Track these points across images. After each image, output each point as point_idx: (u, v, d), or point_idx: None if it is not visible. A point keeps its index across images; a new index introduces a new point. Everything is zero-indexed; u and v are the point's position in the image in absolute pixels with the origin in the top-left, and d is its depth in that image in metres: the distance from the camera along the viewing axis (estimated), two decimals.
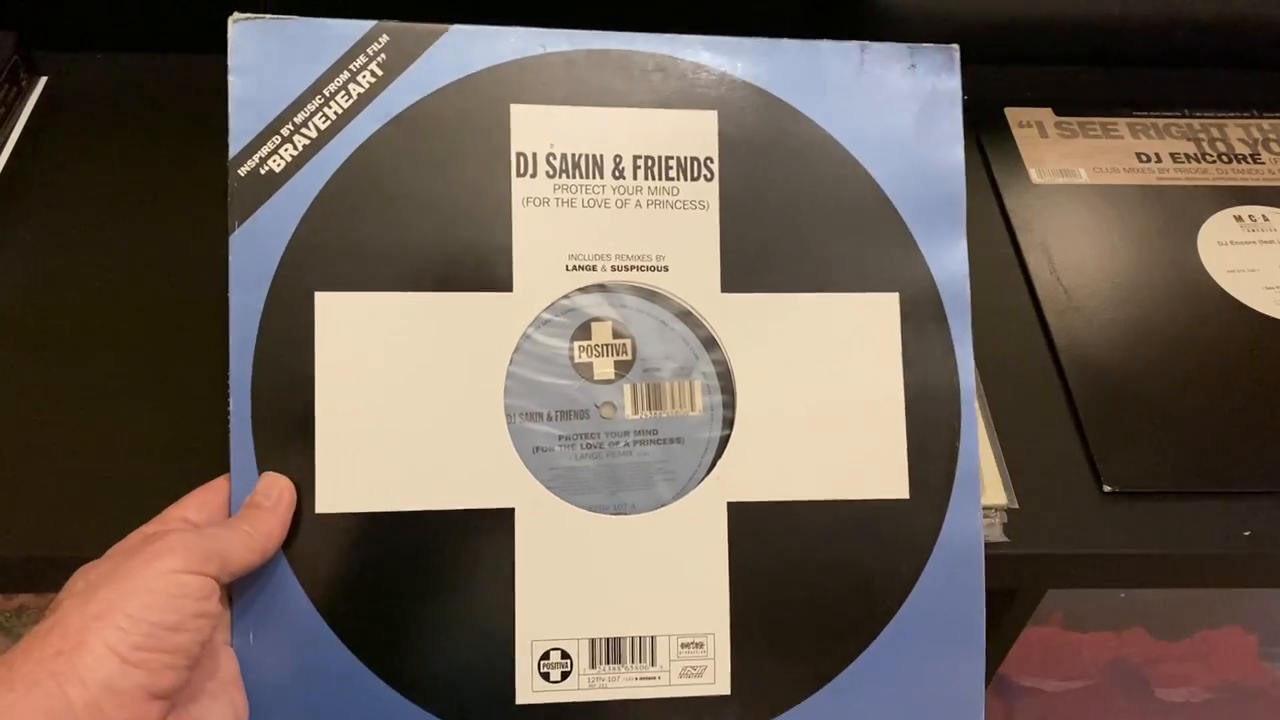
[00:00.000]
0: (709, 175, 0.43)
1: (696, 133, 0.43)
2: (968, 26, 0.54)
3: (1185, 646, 0.57)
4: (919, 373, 0.43)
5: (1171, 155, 0.63)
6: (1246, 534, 0.47)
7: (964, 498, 0.43)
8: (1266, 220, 0.60)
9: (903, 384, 0.43)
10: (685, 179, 0.43)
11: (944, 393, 0.43)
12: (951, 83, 0.44)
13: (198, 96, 0.62)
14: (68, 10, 0.64)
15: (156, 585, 0.34)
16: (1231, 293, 0.56)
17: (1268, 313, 0.55)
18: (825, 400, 0.43)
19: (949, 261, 0.44)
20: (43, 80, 0.64)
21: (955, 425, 0.43)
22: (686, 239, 0.43)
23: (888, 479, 0.43)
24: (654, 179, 0.43)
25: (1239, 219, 0.60)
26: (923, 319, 0.43)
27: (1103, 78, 0.68)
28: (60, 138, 0.61)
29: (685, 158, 0.43)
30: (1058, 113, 0.65)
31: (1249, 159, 0.63)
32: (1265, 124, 0.65)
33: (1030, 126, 0.64)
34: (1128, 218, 0.59)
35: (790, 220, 0.43)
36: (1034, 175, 0.61)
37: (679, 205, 0.43)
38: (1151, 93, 0.67)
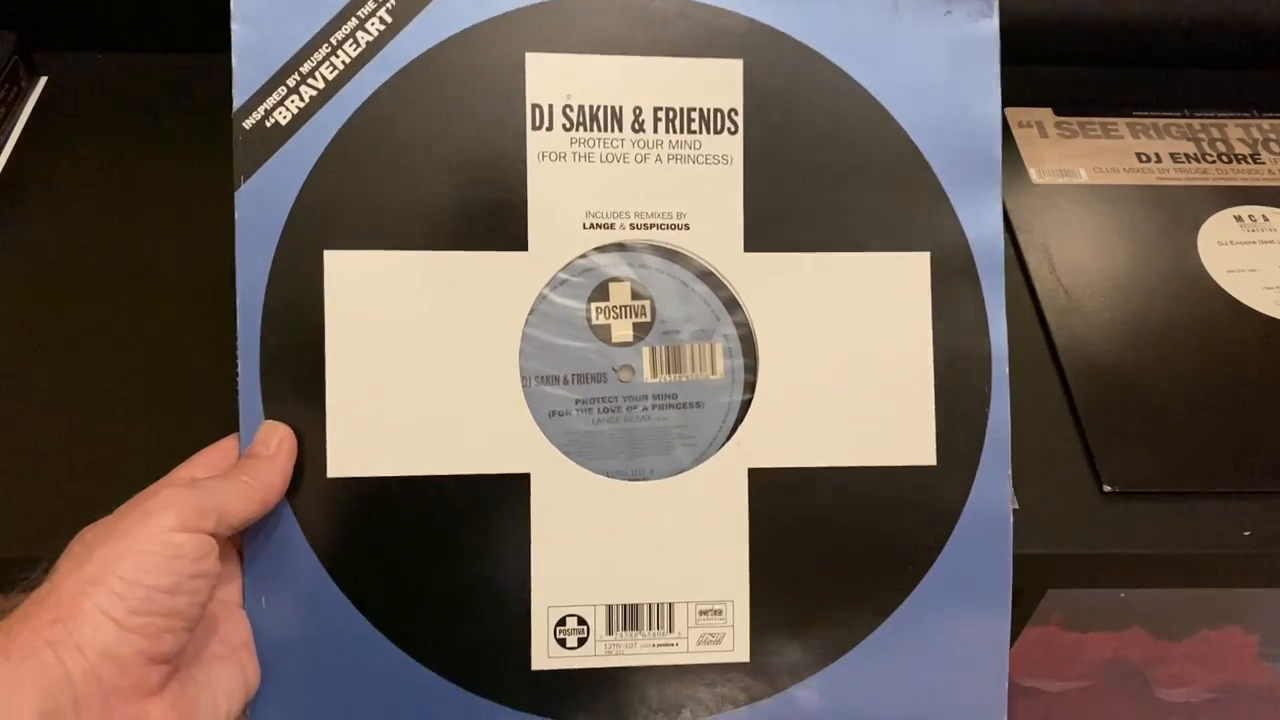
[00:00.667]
0: (733, 128, 0.41)
1: (720, 83, 0.41)
2: None
3: (1185, 646, 0.57)
4: (949, 336, 0.42)
5: (1171, 155, 0.62)
6: (1246, 534, 0.47)
7: (993, 465, 0.41)
8: (1266, 220, 0.59)
9: (932, 347, 0.41)
10: (708, 132, 0.41)
11: (975, 357, 0.42)
12: (989, 28, 0.42)
13: (198, 96, 0.62)
14: (68, 10, 0.63)
15: (151, 546, 0.33)
16: (1231, 293, 0.56)
17: (1268, 313, 0.55)
18: (851, 364, 0.41)
19: (983, 219, 0.42)
20: (43, 80, 0.63)
21: (986, 390, 0.42)
22: (708, 195, 0.41)
23: (914, 445, 0.41)
24: (675, 132, 0.41)
25: (1239, 219, 0.59)
26: (955, 279, 0.42)
27: (1103, 78, 0.67)
28: (60, 138, 0.60)
29: (708, 109, 0.41)
30: (1058, 113, 0.65)
31: (1249, 159, 0.62)
32: (1265, 124, 0.65)
33: (1030, 126, 0.63)
34: (1128, 218, 0.59)
35: (817, 176, 0.41)
36: (1034, 175, 0.61)
37: (701, 160, 0.41)
38: (1151, 93, 0.66)
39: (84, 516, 0.44)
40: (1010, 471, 0.42)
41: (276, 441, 0.38)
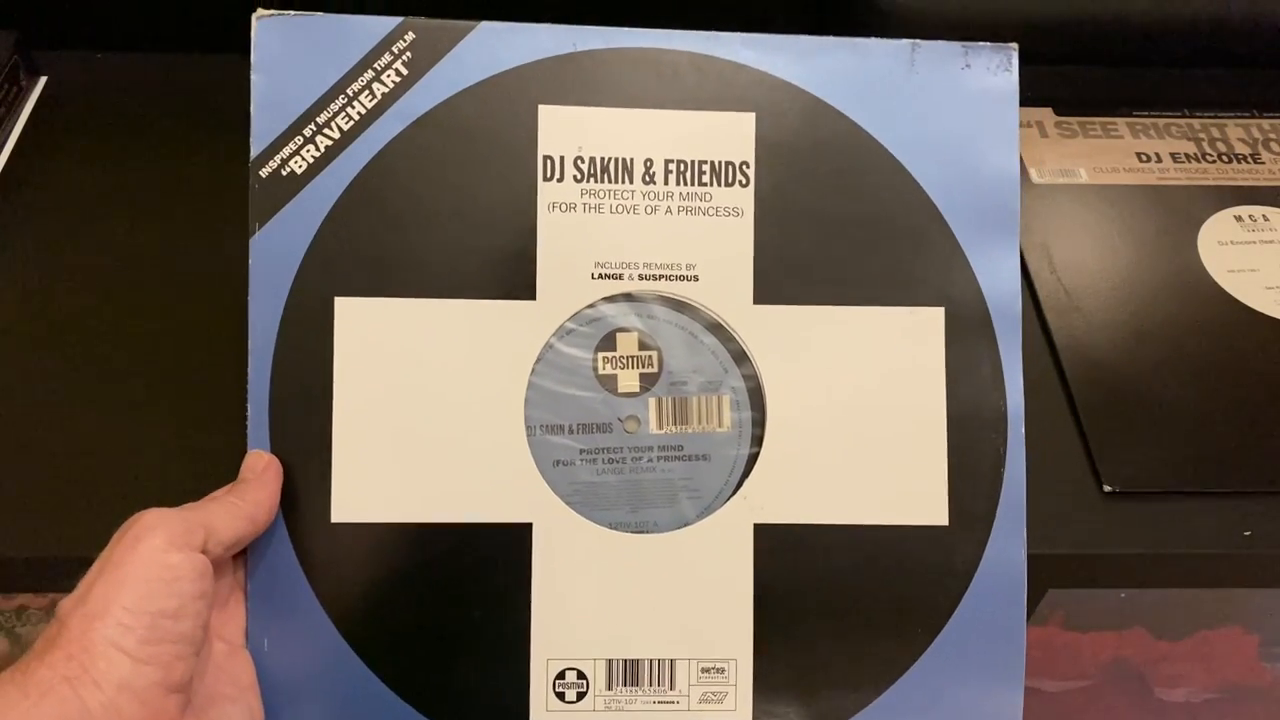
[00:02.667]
0: (744, 181, 0.41)
1: (732, 136, 0.41)
2: (967, 26, 0.52)
3: (1185, 646, 0.55)
4: (964, 393, 0.41)
5: (1171, 155, 0.61)
6: (1246, 534, 0.46)
7: (1007, 527, 0.40)
8: (1266, 220, 0.58)
9: (945, 405, 0.41)
10: (719, 184, 0.41)
11: (990, 415, 0.41)
12: (1008, 84, 0.42)
13: (199, 96, 0.62)
14: (68, 10, 0.64)
15: (149, 573, 0.33)
16: (1231, 293, 0.55)
17: (1268, 313, 0.54)
18: (861, 420, 0.41)
19: (999, 275, 0.41)
20: (43, 80, 0.64)
21: (1001, 450, 0.41)
22: (718, 247, 0.41)
23: (926, 505, 0.40)
24: (686, 184, 0.41)
25: (1239, 219, 0.58)
26: (970, 336, 0.41)
27: (1103, 78, 0.66)
28: (60, 138, 0.61)
29: (720, 162, 0.41)
30: (1058, 113, 0.64)
31: (1249, 159, 0.61)
32: (1265, 124, 0.63)
33: (1030, 126, 0.63)
34: (1128, 218, 0.58)
35: (829, 229, 0.41)
36: (1034, 175, 0.60)
37: (712, 212, 0.41)
38: (1151, 93, 0.65)
39: (84, 517, 0.44)
40: (1025, 535, 0.40)
41: (263, 466, 0.39)
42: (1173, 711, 0.59)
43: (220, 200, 0.56)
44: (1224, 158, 0.61)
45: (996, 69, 0.41)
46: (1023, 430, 0.41)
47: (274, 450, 0.39)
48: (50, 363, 0.50)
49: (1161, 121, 0.64)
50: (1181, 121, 0.64)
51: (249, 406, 0.39)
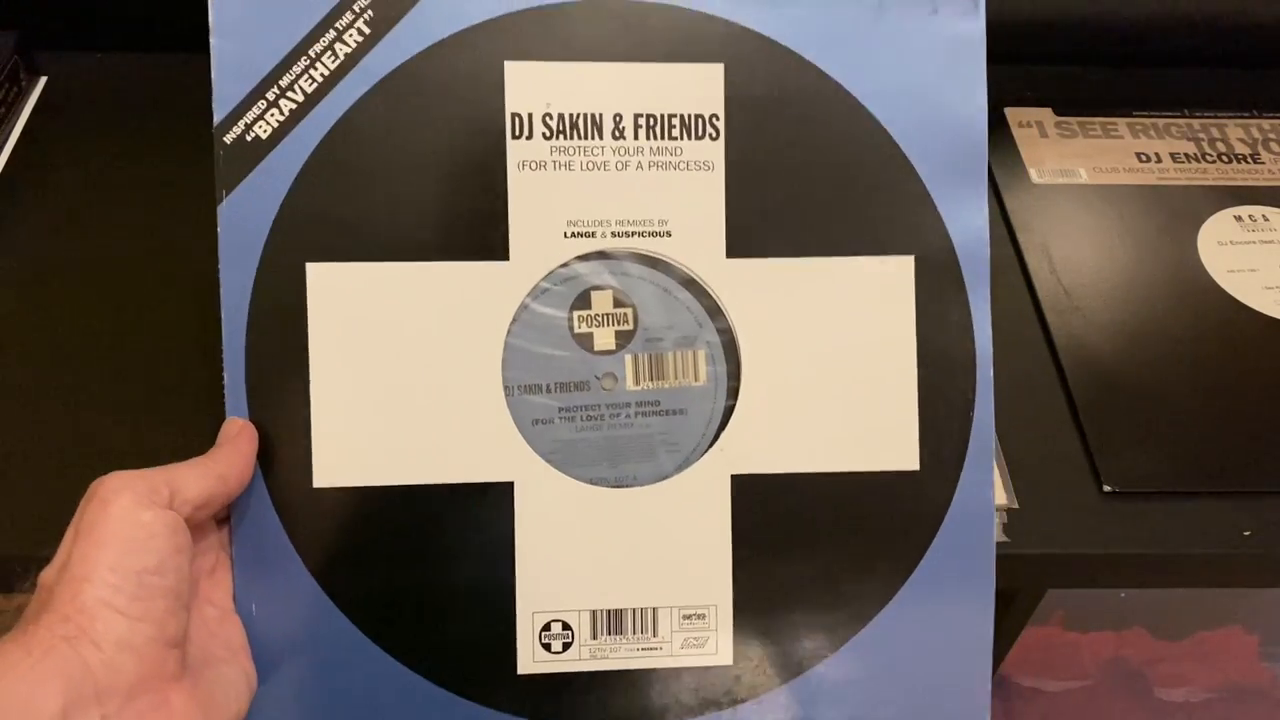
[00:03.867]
0: (714, 134, 0.41)
1: (701, 88, 0.41)
2: None
3: (1185, 646, 0.57)
4: (933, 340, 0.41)
5: (1171, 155, 0.62)
6: (1246, 534, 0.47)
7: (977, 469, 0.41)
8: (1266, 220, 0.59)
9: (916, 352, 0.41)
10: (689, 138, 0.41)
11: (959, 361, 0.41)
12: (975, 27, 0.41)
13: (198, 96, 0.60)
14: (68, 10, 0.63)
15: (124, 532, 0.34)
16: (1231, 293, 0.56)
17: (1268, 313, 0.55)
18: (834, 369, 0.41)
19: (968, 222, 0.42)
20: (43, 80, 0.63)
21: (970, 395, 0.41)
22: (690, 202, 0.41)
23: (898, 450, 0.41)
24: (656, 138, 0.41)
25: (1239, 219, 0.59)
26: (939, 283, 0.41)
27: (1103, 78, 0.67)
28: (60, 138, 0.60)
29: (689, 115, 0.41)
30: (1058, 113, 0.64)
31: (1249, 159, 0.62)
32: (1265, 124, 0.64)
33: (1030, 126, 0.63)
34: (1128, 218, 0.59)
35: (800, 181, 0.41)
36: (1034, 175, 0.61)
37: (682, 166, 0.41)
38: (1151, 93, 0.66)
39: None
40: (993, 476, 0.42)
41: (235, 431, 0.39)
42: (1173, 711, 0.60)
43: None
44: (1224, 158, 0.62)
45: (963, 14, 0.41)
46: (990, 374, 0.42)
47: (253, 418, 0.39)
48: (50, 362, 0.50)
49: (1161, 121, 0.64)
50: (1181, 121, 0.64)
51: (225, 375, 0.39)
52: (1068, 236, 0.58)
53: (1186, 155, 0.62)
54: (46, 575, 0.35)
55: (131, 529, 0.34)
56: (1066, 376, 0.51)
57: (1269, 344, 0.53)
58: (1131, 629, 0.56)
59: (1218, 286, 0.56)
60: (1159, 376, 0.52)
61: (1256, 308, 0.55)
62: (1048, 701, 0.59)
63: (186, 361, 0.50)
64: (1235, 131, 0.63)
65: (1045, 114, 0.64)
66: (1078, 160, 0.62)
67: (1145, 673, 0.58)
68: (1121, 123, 0.64)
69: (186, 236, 0.55)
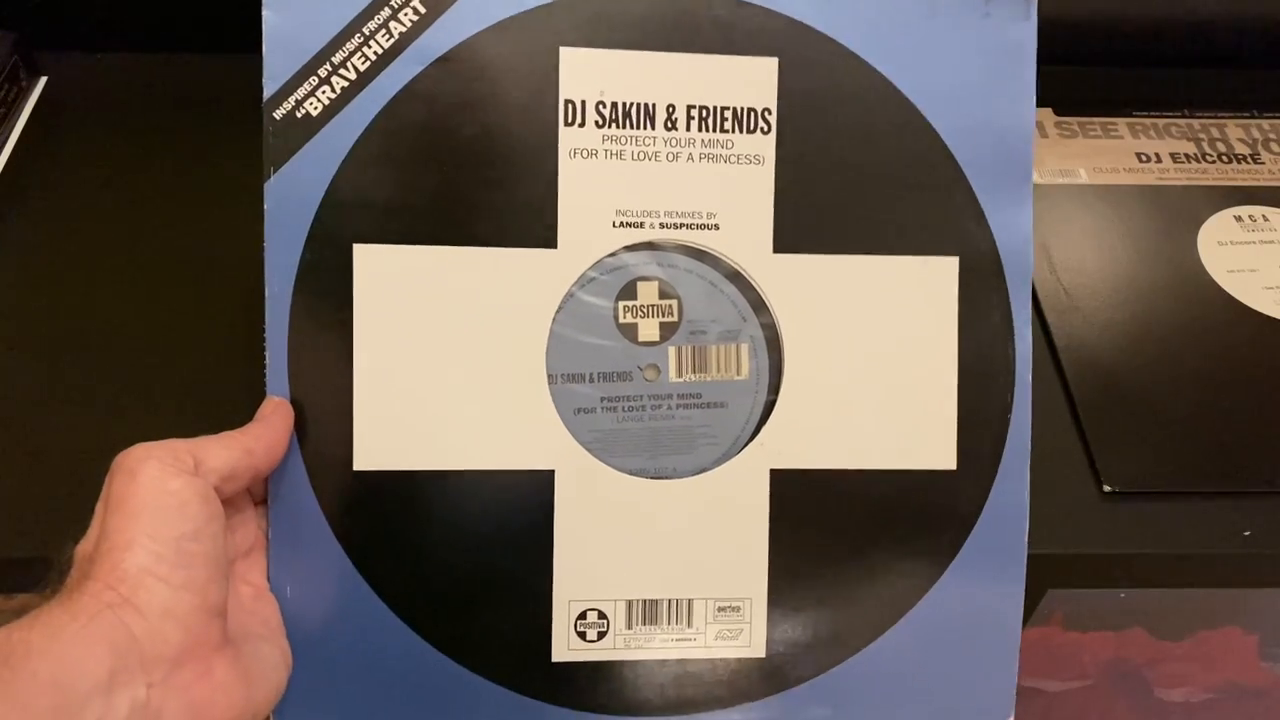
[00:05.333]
0: (766, 128, 0.41)
1: (755, 81, 0.40)
2: None
3: (1185, 646, 0.57)
4: (975, 341, 0.42)
5: (1171, 155, 0.62)
6: (1246, 534, 0.47)
7: (1012, 471, 0.42)
8: (1266, 220, 0.59)
9: (957, 353, 0.42)
10: (741, 131, 0.41)
11: (999, 362, 0.42)
12: (1027, 31, 0.41)
13: (199, 96, 0.61)
14: (68, 10, 0.62)
15: (157, 501, 0.33)
16: (1231, 293, 0.56)
17: (1268, 313, 0.55)
18: (875, 367, 0.41)
19: (1013, 225, 0.42)
20: (43, 80, 0.62)
21: (1008, 397, 0.42)
22: (739, 196, 0.41)
23: (935, 450, 0.42)
24: (708, 131, 0.40)
25: (1239, 219, 0.59)
26: (982, 285, 0.42)
27: (1103, 78, 0.66)
28: (60, 138, 0.59)
29: (742, 108, 0.40)
30: (1058, 113, 0.64)
31: (1249, 159, 0.62)
32: (1265, 124, 0.64)
33: None
34: (1128, 218, 0.59)
35: (848, 178, 0.41)
36: (1034, 175, 0.60)
37: (733, 159, 0.41)
38: (1151, 93, 0.66)
39: (84, 516, 0.43)
40: (1028, 477, 0.42)
41: (271, 408, 0.39)
42: (1173, 711, 0.60)
43: (222, 200, 0.55)
44: (1224, 158, 0.62)
45: (1016, 16, 0.41)
46: (1029, 378, 0.42)
47: (293, 399, 0.39)
48: (50, 362, 0.50)
49: (1161, 122, 0.64)
50: (1181, 121, 0.64)
51: (267, 354, 0.39)
52: (1068, 236, 0.58)
53: (1186, 155, 0.62)
54: (83, 548, 0.34)
55: (162, 497, 0.33)
56: (1066, 376, 0.52)
57: (1269, 344, 0.54)
58: (1131, 629, 0.56)
59: (1218, 286, 0.56)
60: (1159, 376, 0.52)
61: (1256, 308, 0.55)
62: (1048, 701, 0.60)
63: (189, 360, 0.49)
64: (1235, 131, 0.64)
65: (1045, 114, 0.64)
66: (1078, 160, 0.62)
67: (1145, 673, 0.59)
68: (1121, 123, 0.64)
69: (188, 235, 0.55)
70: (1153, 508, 0.48)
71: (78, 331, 0.51)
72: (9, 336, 0.51)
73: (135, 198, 0.57)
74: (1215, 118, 0.64)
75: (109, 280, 0.53)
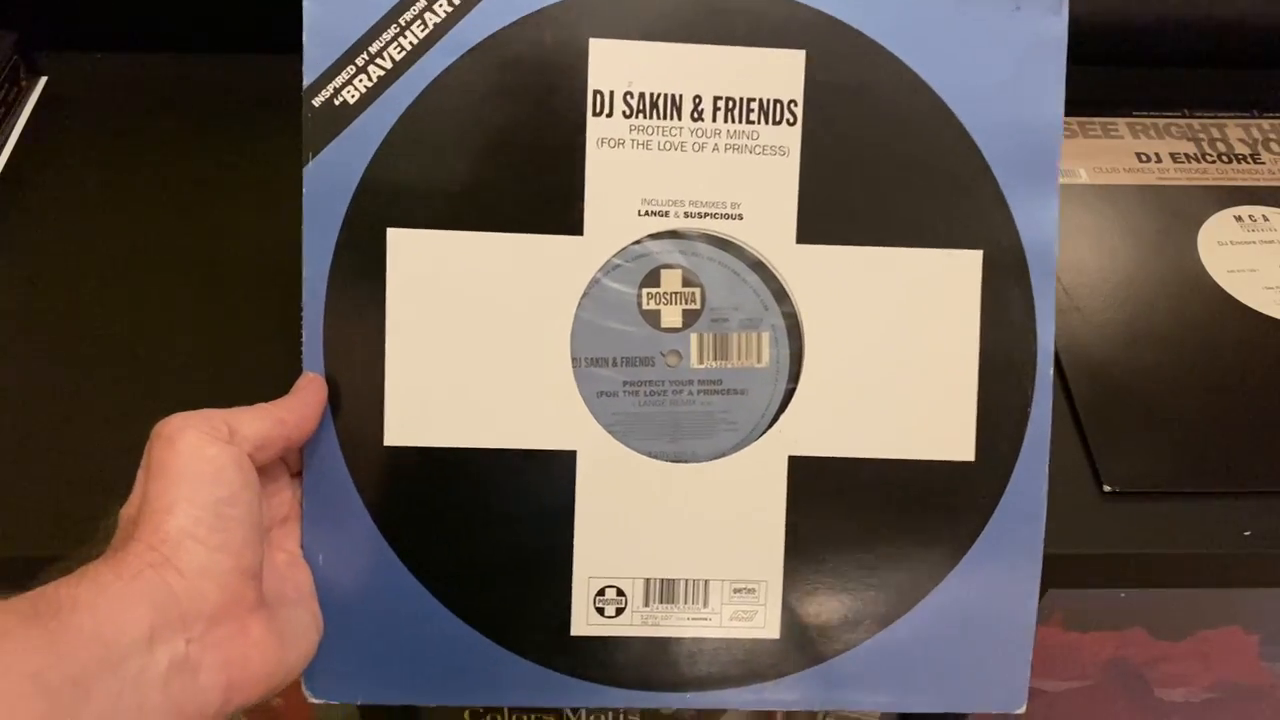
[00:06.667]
0: (791, 119, 0.41)
1: (782, 73, 0.41)
2: None
3: (1185, 646, 0.56)
4: (996, 334, 0.42)
5: (1171, 155, 0.62)
6: (1246, 534, 0.47)
7: (1031, 463, 0.42)
8: (1266, 220, 0.59)
9: (978, 345, 0.42)
10: (766, 122, 0.41)
11: (1020, 356, 0.42)
12: (1057, 27, 0.41)
13: (199, 96, 0.62)
14: (68, 10, 0.63)
15: (195, 467, 0.35)
16: (1231, 293, 0.55)
17: (1268, 313, 0.55)
18: (896, 358, 0.42)
19: (1038, 220, 0.42)
20: (43, 80, 0.63)
21: (1029, 391, 0.42)
22: (763, 186, 0.41)
23: (954, 441, 0.42)
24: (734, 121, 0.41)
25: (1239, 219, 0.59)
26: (1005, 279, 0.42)
27: (1103, 78, 0.66)
28: (60, 138, 0.60)
29: (768, 100, 0.41)
30: None
31: (1249, 159, 0.62)
32: (1265, 124, 0.64)
33: None
34: (1128, 218, 0.59)
35: (873, 170, 0.41)
36: None
37: (758, 150, 0.41)
38: (1151, 93, 0.65)
39: (84, 517, 0.43)
40: (1047, 471, 0.42)
41: (306, 382, 0.40)
42: (1173, 711, 0.60)
43: (222, 198, 0.56)
44: (1224, 158, 0.61)
45: (1046, 12, 0.41)
46: (1050, 372, 0.42)
47: (328, 374, 0.41)
48: (50, 362, 0.51)
49: (1161, 121, 0.64)
50: (1181, 121, 0.64)
51: (304, 331, 0.41)
52: (1067, 236, 0.57)
53: (1186, 155, 0.62)
54: (127, 511, 0.36)
55: (200, 463, 0.35)
56: (1066, 376, 0.51)
57: (1269, 344, 0.53)
58: (1131, 629, 0.56)
59: (1218, 286, 0.56)
60: (1159, 376, 0.52)
61: (1256, 308, 0.55)
62: (1048, 701, 0.60)
63: (188, 359, 0.51)
64: (1235, 131, 0.63)
65: None
66: (1078, 160, 0.61)
67: (1145, 673, 0.58)
68: (1121, 123, 0.63)
69: (188, 235, 0.55)
70: (1153, 508, 0.48)
71: (77, 330, 0.52)
72: (8, 335, 0.51)
73: (135, 197, 0.57)
74: (1215, 118, 0.64)
75: (109, 279, 0.54)
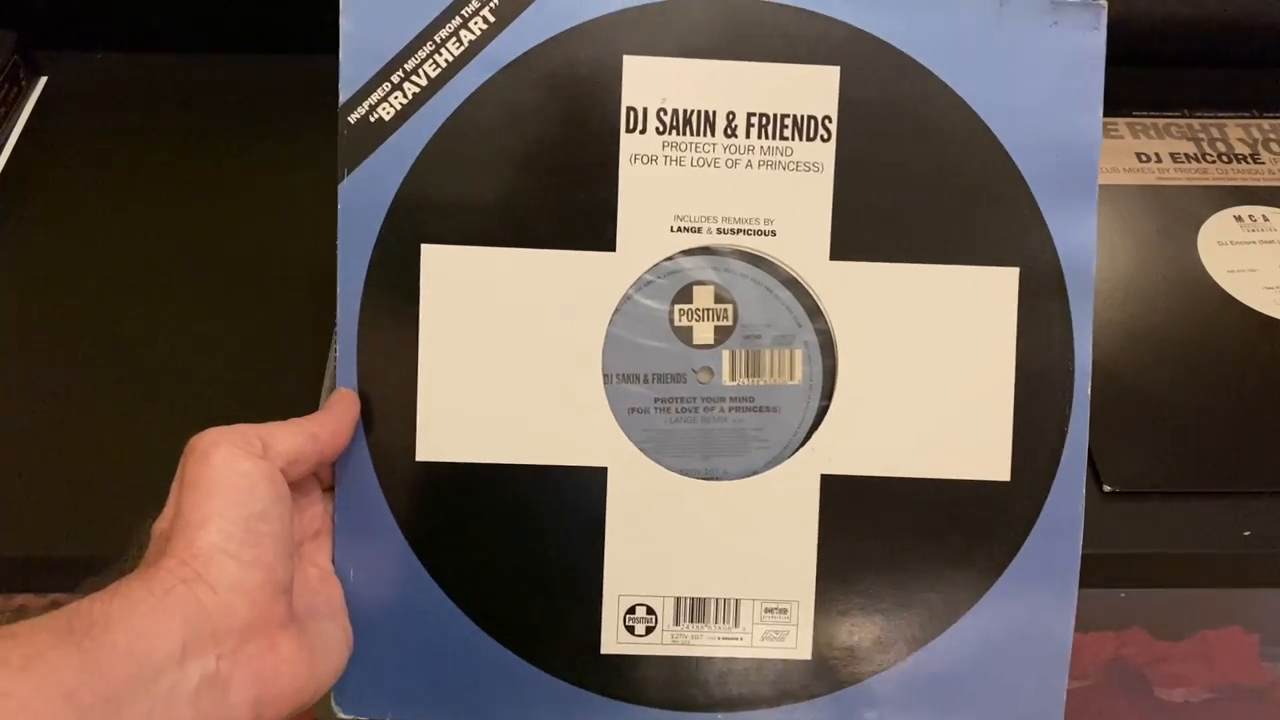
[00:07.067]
0: (826, 136, 0.41)
1: (816, 90, 0.41)
2: None
3: (1185, 646, 0.56)
4: (1033, 353, 0.41)
5: (1171, 155, 0.61)
6: (1246, 534, 0.47)
7: (1068, 484, 0.41)
8: (1266, 220, 0.58)
9: (1014, 364, 0.41)
10: (800, 139, 0.41)
11: (1057, 375, 0.41)
12: (1096, 43, 0.41)
13: (199, 96, 0.62)
14: (68, 10, 0.64)
15: (228, 482, 0.35)
16: (1231, 293, 0.55)
17: (1268, 313, 0.55)
18: (930, 376, 0.41)
19: (1076, 237, 0.41)
20: (43, 80, 0.64)
21: (1066, 410, 0.41)
22: (797, 203, 0.41)
23: (989, 461, 0.41)
24: (767, 138, 0.41)
25: (1239, 219, 0.58)
26: (1042, 297, 0.41)
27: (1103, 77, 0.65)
28: (60, 138, 0.61)
29: (802, 116, 0.41)
30: None
31: (1249, 159, 0.61)
32: (1265, 124, 0.63)
33: None
34: (1128, 218, 0.58)
35: (908, 187, 0.41)
36: None
37: (791, 167, 0.41)
38: (1151, 93, 0.65)
39: (84, 516, 0.44)
40: (1084, 491, 0.42)
41: (337, 398, 0.40)
42: (1173, 711, 0.60)
43: (222, 199, 0.57)
44: (1224, 158, 0.61)
45: (1085, 27, 0.41)
46: (1088, 390, 0.41)
47: (361, 391, 0.41)
48: (50, 362, 0.51)
49: (1161, 121, 0.64)
50: (1181, 121, 0.64)
51: (338, 346, 0.41)
52: None
53: (1186, 155, 0.61)
54: (159, 525, 0.36)
55: (234, 478, 0.35)
56: None
57: (1269, 344, 0.53)
58: (1131, 629, 0.56)
59: (1218, 286, 0.56)
60: (1159, 376, 0.52)
61: (1256, 308, 0.55)
62: None
63: (187, 360, 0.51)
64: (1235, 131, 0.63)
65: None
66: None
67: (1145, 673, 0.58)
68: (1121, 123, 0.63)
69: (188, 234, 0.56)
70: (1153, 508, 0.48)
71: (77, 331, 0.52)
72: (8, 336, 0.52)
73: (135, 198, 0.58)
74: (1215, 118, 0.64)
75: (109, 279, 0.54)
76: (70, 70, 0.64)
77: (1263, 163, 0.61)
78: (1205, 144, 0.62)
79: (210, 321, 0.52)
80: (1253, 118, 0.64)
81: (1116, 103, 0.63)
